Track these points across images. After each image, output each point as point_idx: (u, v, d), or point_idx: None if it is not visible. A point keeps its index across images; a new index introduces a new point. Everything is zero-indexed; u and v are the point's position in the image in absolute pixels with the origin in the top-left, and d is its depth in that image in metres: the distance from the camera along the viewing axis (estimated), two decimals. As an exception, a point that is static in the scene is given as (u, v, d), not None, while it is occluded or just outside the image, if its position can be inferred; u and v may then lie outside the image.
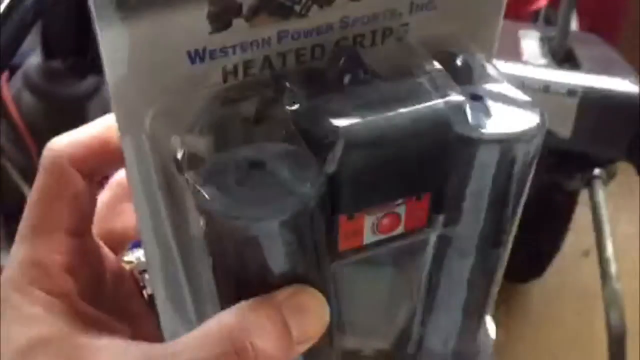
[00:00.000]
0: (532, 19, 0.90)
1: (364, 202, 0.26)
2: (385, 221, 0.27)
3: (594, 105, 0.59)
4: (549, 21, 0.87)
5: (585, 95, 0.59)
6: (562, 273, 1.24)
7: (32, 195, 0.29)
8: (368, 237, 0.27)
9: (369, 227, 0.27)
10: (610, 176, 0.65)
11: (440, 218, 0.28)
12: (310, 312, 0.25)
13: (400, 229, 0.28)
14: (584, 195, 1.28)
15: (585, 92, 0.60)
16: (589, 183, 0.66)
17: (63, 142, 0.29)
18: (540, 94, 0.59)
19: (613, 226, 0.72)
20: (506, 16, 0.29)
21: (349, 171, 0.25)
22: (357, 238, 0.27)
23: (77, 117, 0.96)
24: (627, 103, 0.59)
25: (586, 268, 1.23)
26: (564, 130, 0.59)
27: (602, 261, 0.60)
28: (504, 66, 0.57)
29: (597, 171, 0.65)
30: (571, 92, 0.59)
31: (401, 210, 0.27)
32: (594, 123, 0.59)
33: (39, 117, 0.95)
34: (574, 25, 0.92)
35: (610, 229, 0.65)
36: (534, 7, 0.91)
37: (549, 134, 0.58)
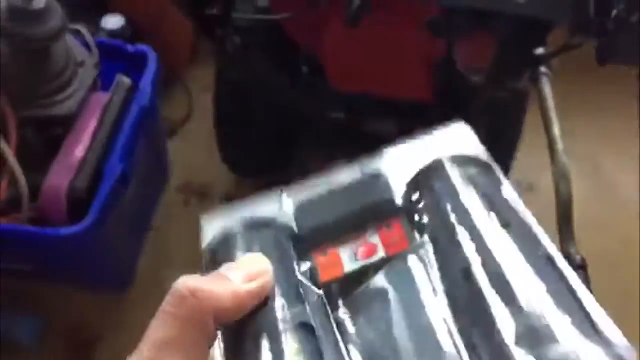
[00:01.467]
0: None
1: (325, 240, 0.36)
2: (362, 249, 0.35)
3: None
4: None
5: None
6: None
7: (160, 330, 0.30)
8: (348, 266, 0.35)
9: (347, 257, 0.35)
10: (553, 72, 0.72)
11: (425, 238, 0.35)
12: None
13: (380, 254, 0.35)
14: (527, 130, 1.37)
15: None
16: (535, 80, 0.72)
17: (208, 293, 0.31)
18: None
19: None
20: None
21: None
22: (337, 269, 0.35)
23: (42, 57, 0.97)
24: None
25: (530, 202, 1.31)
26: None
27: (550, 141, 0.67)
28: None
29: (542, 69, 0.72)
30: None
31: (374, 239, 0.36)
32: None
33: (4, 59, 0.95)
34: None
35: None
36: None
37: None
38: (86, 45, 1.08)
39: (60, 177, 0.96)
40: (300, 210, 0.38)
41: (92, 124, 1.01)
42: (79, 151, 0.98)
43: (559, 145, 0.67)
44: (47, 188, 0.96)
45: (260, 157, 1.25)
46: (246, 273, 0.32)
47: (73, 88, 1.02)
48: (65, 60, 1.02)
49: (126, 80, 1.05)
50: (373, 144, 1.28)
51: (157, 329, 0.30)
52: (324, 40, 0.93)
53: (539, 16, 0.69)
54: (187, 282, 0.31)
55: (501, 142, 1.12)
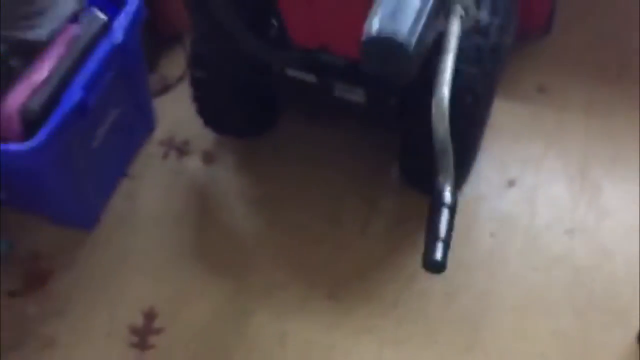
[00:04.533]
0: None
1: None
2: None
3: None
4: None
5: None
6: (486, 200, 1.28)
7: None
8: None
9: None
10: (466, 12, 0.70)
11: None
12: None
13: None
14: (502, 124, 1.33)
15: None
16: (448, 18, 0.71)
17: None
18: None
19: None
20: None
21: None
22: None
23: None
24: None
25: (510, 197, 1.28)
26: None
27: (438, 73, 0.64)
28: None
29: (457, 7, 0.70)
30: None
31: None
32: None
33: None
34: None
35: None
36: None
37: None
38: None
39: (17, 97, 1.00)
40: None
41: (58, 53, 1.05)
42: (40, 75, 1.02)
43: (445, 77, 0.64)
44: (3, 108, 1.00)
45: (235, 116, 1.26)
46: None
47: (48, 17, 1.06)
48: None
49: (100, 16, 1.08)
50: (347, 111, 1.27)
51: None
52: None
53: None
54: None
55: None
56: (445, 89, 0.64)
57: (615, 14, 1.49)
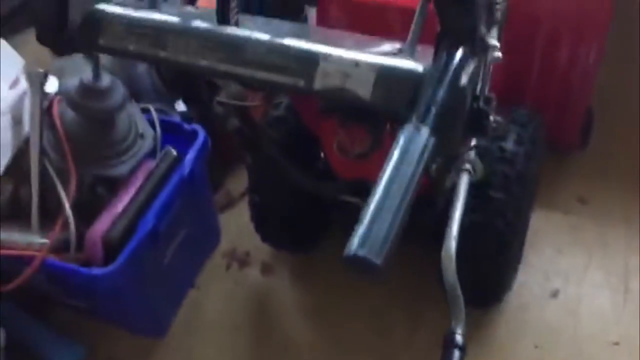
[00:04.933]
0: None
1: None
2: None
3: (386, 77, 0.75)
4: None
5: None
6: (530, 310, 1.33)
7: None
8: None
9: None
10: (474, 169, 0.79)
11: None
12: None
13: None
14: (544, 234, 1.39)
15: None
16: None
17: None
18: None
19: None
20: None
21: None
22: None
23: (105, 126, 1.19)
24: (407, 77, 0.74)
25: (554, 307, 1.32)
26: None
27: (447, 225, 0.73)
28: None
29: (466, 165, 0.80)
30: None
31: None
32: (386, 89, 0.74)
33: (74, 127, 1.18)
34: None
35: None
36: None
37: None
38: (151, 121, 1.30)
39: (100, 227, 1.16)
40: None
41: (136, 186, 1.21)
42: (120, 207, 1.18)
43: (454, 229, 0.73)
44: (89, 235, 1.16)
45: (288, 235, 1.38)
46: None
47: (130, 154, 1.23)
48: (127, 130, 1.23)
49: (172, 152, 1.25)
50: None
51: None
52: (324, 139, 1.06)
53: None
54: None
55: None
56: (452, 242, 0.74)
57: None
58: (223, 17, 0.80)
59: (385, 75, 0.73)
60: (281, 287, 1.44)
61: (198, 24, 0.83)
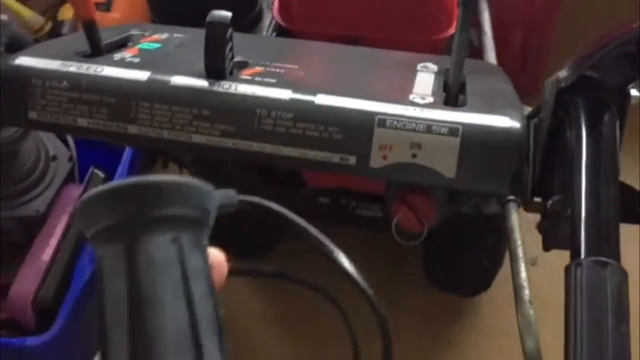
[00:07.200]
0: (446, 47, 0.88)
1: None
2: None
3: (475, 143, 0.57)
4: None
5: (466, 134, 0.56)
6: (510, 282, 1.26)
7: None
8: None
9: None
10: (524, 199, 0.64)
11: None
12: None
13: None
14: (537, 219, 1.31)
15: (466, 130, 0.56)
16: (503, 206, 0.66)
17: None
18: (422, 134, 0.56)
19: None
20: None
21: None
22: None
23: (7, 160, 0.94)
24: (507, 139, 0.57)
25: (533, 277, 1.25)
26: (448, 169, 0.58)
27: (516, 287, 0.60)
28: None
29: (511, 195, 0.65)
30: (452, 131, 0.57)
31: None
32: (476, 161, 0.56)
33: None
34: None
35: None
36: (445, 34, 0.88)
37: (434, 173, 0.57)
38: (62, 138, 1.06)
39: (26, 284, 0.93)
40: None
41: (62, 223, 0.98)
42: (47, 255, 0.95)
43: (525, 294, 0.60)
44: (13, 296, 0.93)
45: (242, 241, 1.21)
46: None
47: (43, 185, 0.99)
48: (35, 157, 0.99)
49: (98, 174, 1.02)
50: (366, 225, 1.23)
51: None
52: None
53: (470, 189, 0.63)
54: None
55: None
56: (531, 309, 0.60)
57: None
58: (216, 70, 0.58)
59: (473, 140, 0.55)
60: (243, 297, 1.29)
61: (181, 80, 0.58)
